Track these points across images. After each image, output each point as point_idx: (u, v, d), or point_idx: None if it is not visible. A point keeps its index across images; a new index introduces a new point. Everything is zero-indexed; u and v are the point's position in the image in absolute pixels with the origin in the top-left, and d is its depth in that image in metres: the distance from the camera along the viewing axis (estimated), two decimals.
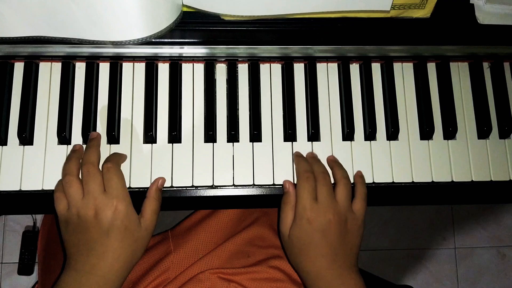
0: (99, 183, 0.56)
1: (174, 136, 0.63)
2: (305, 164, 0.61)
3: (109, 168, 0.57)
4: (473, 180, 0.65)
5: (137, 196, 0.60)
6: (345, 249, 0.59)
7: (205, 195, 0.63)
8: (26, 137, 0.61)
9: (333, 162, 0.63)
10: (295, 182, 0.62)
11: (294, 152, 0.64)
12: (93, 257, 0.56)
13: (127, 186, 0.61)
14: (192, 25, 0.61)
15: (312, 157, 0.63)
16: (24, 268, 1.39)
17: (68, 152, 0.62)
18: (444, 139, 0.66)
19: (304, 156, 0.64)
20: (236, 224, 0.76)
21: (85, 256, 0.56)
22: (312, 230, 0.57)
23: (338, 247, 0.58)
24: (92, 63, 0.64)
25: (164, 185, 0.62)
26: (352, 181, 0.63)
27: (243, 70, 0.66)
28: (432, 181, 0.64)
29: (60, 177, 0.60)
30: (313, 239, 0.58)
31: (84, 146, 0.61)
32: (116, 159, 0.59)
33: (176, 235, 0.77)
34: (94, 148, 0.59)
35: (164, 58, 0.65)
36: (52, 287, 0.58)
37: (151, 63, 0.65)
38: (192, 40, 0.62)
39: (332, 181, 0.62)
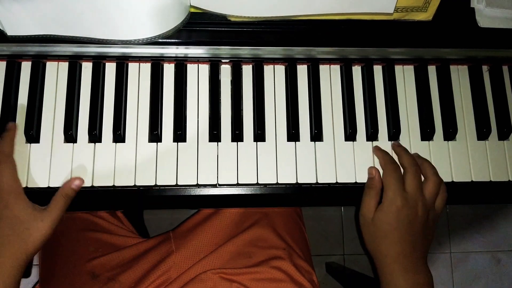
0: None
1: (179, 135, 0.63)
2: (390, 157, 0.64)
3: None
4: (473, 180, 0.66)
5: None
6: (424, 241, 0.62)
7: (209, 193, 0.63)
8: (33, 135, 0.61)
9: (423, 159, 0.65)
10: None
11: (374, 146, 0.65)
12: None
13: (133, 184, 0.61)
14: (198, 26, 0.62)
15: (401, 148, 0.65)
16: None
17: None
18: (444, 140, 0.67)
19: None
20: (237, 225, 0.76)
21: None
22: (400, 218, 0.60)
23: (419, 238, 0.61)
24: (98, 63, 0.64)
25: (169, 184, 0.62)
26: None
27: (247, 71, 0.67)
28: None
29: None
30: (399, 225, 0.60)
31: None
32: (7, 149, 0.60)
33: (178, 236, 0.77)
34: (8, 140, 0.60)
35: (169, 59, 0.65)
36: None
37: (157, 63, 0.65)
38: (198, 40, 0.63)
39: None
